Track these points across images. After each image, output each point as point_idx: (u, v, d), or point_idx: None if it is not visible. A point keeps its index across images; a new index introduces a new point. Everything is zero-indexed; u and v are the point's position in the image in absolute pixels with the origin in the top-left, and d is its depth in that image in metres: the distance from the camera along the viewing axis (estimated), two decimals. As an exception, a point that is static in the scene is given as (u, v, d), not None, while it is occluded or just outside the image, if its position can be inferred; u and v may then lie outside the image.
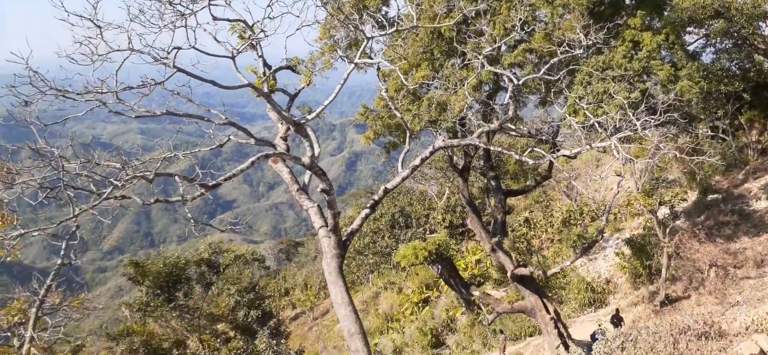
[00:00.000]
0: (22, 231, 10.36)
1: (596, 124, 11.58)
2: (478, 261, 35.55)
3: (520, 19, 12.25)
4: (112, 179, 9.23)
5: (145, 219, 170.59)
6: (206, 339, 16.49)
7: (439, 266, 23.21)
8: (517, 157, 13.96)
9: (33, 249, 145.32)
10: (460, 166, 19.12)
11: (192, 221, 9.96)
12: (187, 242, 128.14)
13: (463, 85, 13.22)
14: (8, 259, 12.22)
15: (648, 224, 23.72)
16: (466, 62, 14.13)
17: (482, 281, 33.15)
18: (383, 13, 17.42)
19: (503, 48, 15.16)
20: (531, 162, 13.62)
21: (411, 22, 11.99)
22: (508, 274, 18.57)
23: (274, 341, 15.54)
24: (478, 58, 12.36)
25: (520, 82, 12.98)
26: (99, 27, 8.57)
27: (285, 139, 13.87)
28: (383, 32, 11.33)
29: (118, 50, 8.78)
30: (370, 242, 44.65)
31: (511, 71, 13.56)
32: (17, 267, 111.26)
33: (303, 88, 13.63)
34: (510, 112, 13.67)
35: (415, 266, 31.69)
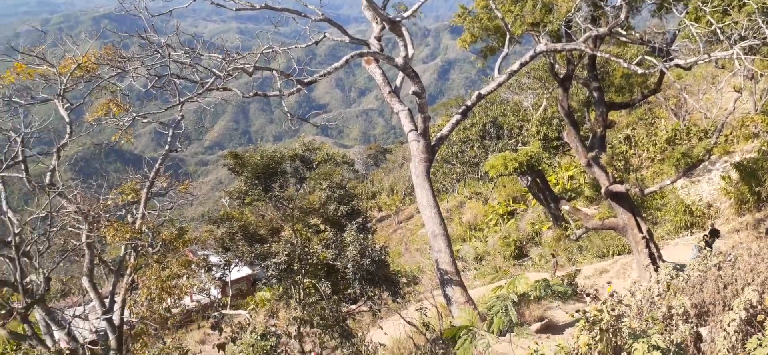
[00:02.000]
0: (134, 115, 11.15)
1: (718, 32, 10.48)
2: (571, 177, 34.54)
3: None
4: (214, 70, 9.61)
5: (243, 117, 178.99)
6: (299, 229, 17.46)
7: (529, 178, 22.75)
8: (626, 65, 13.07)
9: (142, 140, 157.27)
10: (562, 75, 18.19)
11: (288, 115, 10.27)
12: (282, 143, 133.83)
13: (572, -15, 12.35)
14: (122, 142, 13.28)
15: (764, 147, 21.73)
16: (577, -40, 13.10)
17: (573, 196, 32.33)
18: None
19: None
20: (640, 71, 12.72)
21: None
22: (603, 190, 17.92)
23: (361, 236, 16.20)
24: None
25: (636, -17, 11.94)
26: None
27: (379, 39, 13.76)
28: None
29: (222, -60, 8.88)
30: (459, 150, 44.37)
31: (626, -29, 12.42)
32: (129, 154, 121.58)
33: (400, -15, 13.29)
34: (622, 16, 12.67)
35: (503, 176, 31.33)
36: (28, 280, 9.91)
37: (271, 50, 10.86)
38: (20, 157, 10.58)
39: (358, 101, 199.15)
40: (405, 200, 52.96)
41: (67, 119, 11.50)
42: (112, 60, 11.03)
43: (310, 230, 18.36)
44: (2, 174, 10.24)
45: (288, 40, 13.50)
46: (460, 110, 14.30)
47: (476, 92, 13.78)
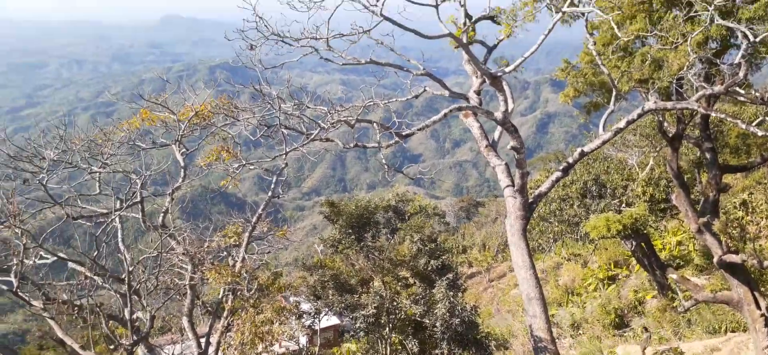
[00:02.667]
0: (243, 162, 11.73)
1: None
2: (679, 242, 32.05)
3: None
4: (319, 122, 9.92)
5: (340, 165, 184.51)
6: (388, 281, 17.41)
7: (634, 243, 21.40)
8: (745, 126, 12.07)
9: (245, 184, 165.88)
10: (671, 134, 17.13)
11: (386, 166, 10.35)
12: (375, 191, 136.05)
13: (686, 41, 11.65)
14: (228, 188, 14.00)
15: None
16: (691, 15, 12.38)
17: (682, 264, 29.90)
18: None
19: (739, 0, 13.01)
20: (760, 133, 11.70)
21: (631, -32, 10.83)
22: (715, 259, 16.43)
23: (451, 293, 15.83)
24: (708, 11, 10.75)
25: (758, 40, 11.07)
26: (317, -26, 9.12)
27: (478, 93, 13.67)
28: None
29: (332, -4, 9.29)
30: (557, 208, 42.70)
31: (747, 26, 11.58)
32: (232, 197, 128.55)
33: (502, 39, 13.21)
34: (740, 74, 11.77)
35: (605, 239, 29.65)
36: (135, 316, 10.51)
37: (372, 102, 11.06)
38: (138, 198, 11.40)
39: (452, 152, 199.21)
40: (497, 256, 51.54)
41: (181, 163, 12.32)
42: (226, 109, 11.75)
43: (400, 283, 18.25)
44: (121, 213, 11.06)
45: (387, 91, 13.77)
46: (560, 167, 13.76)
47: (579, 149, 13.22)
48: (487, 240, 57.98)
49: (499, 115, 11.99)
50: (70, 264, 11.35)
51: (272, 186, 14.24)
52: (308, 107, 10.03)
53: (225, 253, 13.74)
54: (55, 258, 10.86)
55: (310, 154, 15.67)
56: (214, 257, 12.62)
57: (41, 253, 10.64)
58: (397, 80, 11.53)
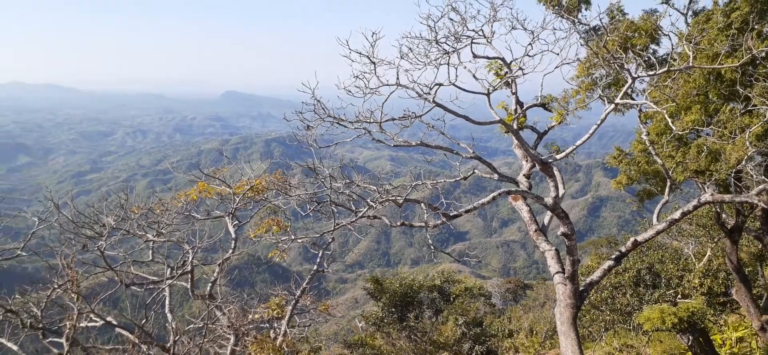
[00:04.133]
0: (293, 237, 11.94)
1: None
2: (740, 339, 29.99)
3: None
4: (368, 200, 10.08)
5: (384, 239, 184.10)
6: (432, 364, 16.93)
7: (690, 337, 20.23)
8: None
9: (290, 254, 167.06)
10: (730, 226, 16.47)
11: (432, 246, 10.33)
12: (419, 266, 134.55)
13: (744, 133, 11.38)
14: (276, 259, 14.19)
15: None
16: (749, 108, 12.14)
17: (744, 363, 27.88)
18: (651, 51, 16.08)
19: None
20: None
21: (685, 62, 10.81)
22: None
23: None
24: (767, 104, 10.54)
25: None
26: (374, 63, 9.51)
27: (528, 176, 13.64)
28: (651, 72, 10.40)
29: (387, 85, 9.62)
30: (609, 296, 40.92)
31: (809, 121, 11.26)
32: (278, 267, 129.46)
33: (553, 126, 13.25)
34: (805, 170, 11.36)
35: (659, 331, 28.12)
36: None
37: (421, 182, 11.19)
38: (189, 268, 11.72)
39: (500, 232, 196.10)
40: (545, 343, 49.41)
41: (233, 235, 12.66)
42: (280, 184, 12.12)
43: (444, 367, 17.75)
44: (172, 282, 11.37)
45: (435, 168, 13.90)
46: (613, 256, 13.38)
47: (632, 239, 12.86)
48: (535, 325, 55.80)
49: (549, 200, 11.88)
50: (117, 329, 11.63)
51: (318, 260, 14.38)
52: (358, 185, 10.22)
53: (267, 325, 13.79)
54: (104, 322, 11.16)
55: (356, 228, 15.84)
56: (256, 329, 12.67)
57: (91, 316, 10.96)
58: (444, 158, 11.68)
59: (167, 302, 12.02)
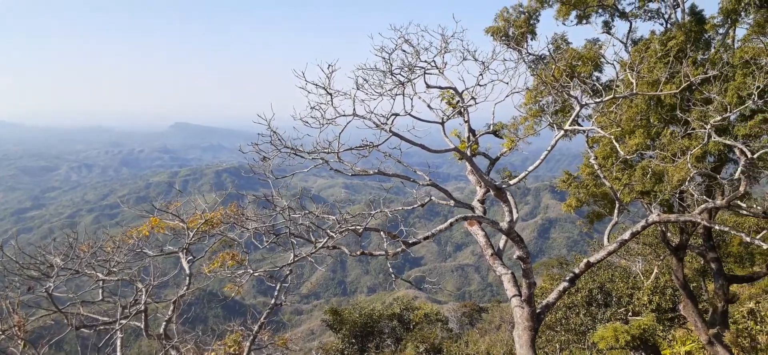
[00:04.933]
0: (250, 270, 11.74)
1: None
2: (688, 353, 31.11)
3: (759, 86, 10.84)
4: (328, 230, 10.05)
5: (340, 268, 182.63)
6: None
7: (643, 353, 20.89)
8: (749, 239, 12.16)
9: (244, 287, 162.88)
10: (675, 244, 17.20)
11: (393, 275, 10.36)
12: (376, 294, 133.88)
13: (685, 155, 12.00)
14: (232, 294, 13.88)
15: None
16: (688, 131, 12.83)
17: (693, 376, 28.85)
18: (595, 78, 16.80)
19: (734, 117, 13.53)
20: (765, 246, 11.76)
21: (628, 89, 11.36)
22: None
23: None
24: (705, 128, 11.16)
25: (756, 156, 11.42)
26: (330, 94, 9.58)
27: (482, 202, 13.91)
28: (597, 99, 10.88)
29: (344, 115, 9.69)
30: (563, 317, 41.77)
31: (743, 143, 11.98)
32: (232, 302, 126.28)
33: (504, 152, 13.61)
34: (741, 189, 12.04)
35: (613, 349, 28.86)
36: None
37: (379, 211, 11.23)
38: (142, 307, 11.32)
39: (454, 256, 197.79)
40: (503, 365, 49.81)
41: (187, 272, 12.33)
42: (237, 218, 11.93)
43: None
44: (126, 322, 10.95)
45: (389, 195, 13.98)
46: (567, 278, 13.73)
47: (585, 260, 13.25)
48: (492, 348, 56.12)
49: (504, 224, 12.13)
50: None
51: (276, 293, 14.15)
52: (317, 216, 10.20)
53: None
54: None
55: (315, 258, 15.71)
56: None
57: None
58: (399, 184, 11.80)
59: (118, 345, 11.54)
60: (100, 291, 12.18)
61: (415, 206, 11.89)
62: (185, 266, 12.19)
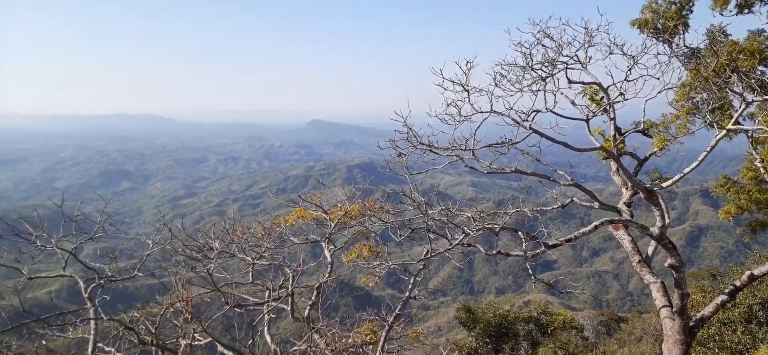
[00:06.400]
0: (388, 262, 12.09)
1: None
2: None
3: None
4: (464, 228, 10.06)
5: (468, 267, 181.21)
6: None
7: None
8: None
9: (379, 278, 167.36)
10: None
11: (532, 276, 10.12)
12: (504, 296, 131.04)
13: None
14: (371, 284, 14.37)
15: None
16: None
17: None
18: (759, 72, 15.08)
19: None
20: None
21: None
22: None
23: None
24: None
25: None
26: (467, 91, 9.57)
27: (629, 205, 13.09)
28: (765, 96, 9.75)
29: (480, 112, 9.63)
30: (716, 333, 37.98)
31: None
32: (359, 291, 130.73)
33: (655, 152, 12.68)
34: None
35: (777, 374, 25.67)
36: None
37: (516, 211, 11.03)
38: (289, 291, 12.14)
39: (591, 261, 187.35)
40: (643, 380, 46.48)
41: (329, 259, 13.01)
42: (374, 211, 12.36)
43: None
44: (276, 304, 11.82)
45: (518, 193, 13.63)
46: (726, 290, 12.51)
47: (748, 272, 11.99)
48: (631, 361, 52.64)
49: (655, 230, 11.34)
50: (220, 348, 12.16)
51: (409, 287, 14.43)
52: (452, 212, 10.24)
53: (360, 350, 13.93)
54: (213, 340, 11.70)
55: (452, 255, 15.78)
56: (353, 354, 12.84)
57: (196, 335, 11.57)
58: (532, 183, 11.45)
59: (266, 324, 12.47)
60: (250, 274, 13.23)
61: (555, 207, 11.50)
62: (327, 254, 12.87)
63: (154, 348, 11.21)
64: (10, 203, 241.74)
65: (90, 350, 10.39)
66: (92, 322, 10.71)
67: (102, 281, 11.54)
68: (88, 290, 11.23)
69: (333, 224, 13.12)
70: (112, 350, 11.14)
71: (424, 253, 12.56)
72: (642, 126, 12.22)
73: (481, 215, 10.30)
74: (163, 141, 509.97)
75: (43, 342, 10.81)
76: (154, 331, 10.92)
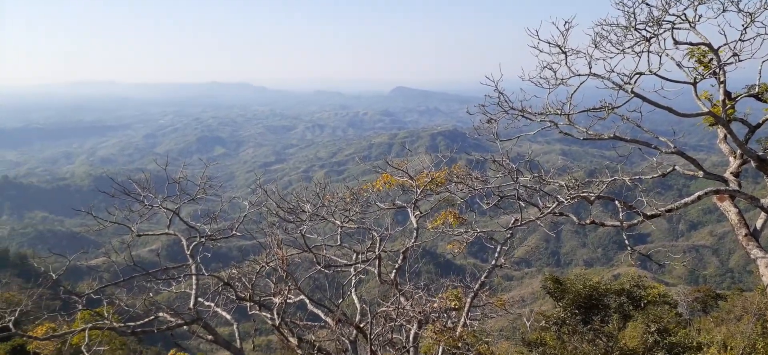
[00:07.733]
0: (477, 231, 12.02)
1: None
2: None
3: None
4: (557, 196, 9.78)
5: (555, 238, 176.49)
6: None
7: None
8: None
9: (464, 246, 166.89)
10: None
11: (629, 247, 9.70)
12: (592, 269, 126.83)
13: None
14: (456, 251, 14.34)
15: None
16: None
17: None
18: None
19: None
20: None
21: None
22: None
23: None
24: None
25: None
26: (565, 53, 9.16)
27: (736, 175, 12.15)
28: None
29: (578, 75, 9.21)
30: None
31: None
32: (441, 258, 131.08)
33: (768, 118, 11.62)
34: None
35: None
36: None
37: (612, 180, 10.57)
38: (376, 254, 12.40)
39: (687, 235, 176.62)
40: (744, 362, 43.67)
41: (415, 225, 13.12)
42: (462, 177, 12.28)
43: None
44: (365, 266, 12.13)
45: (612, 163, 12.94)
46: None
47: None
48: (729, 340, 49.54)
49: (766, 201, 10.48)
50: (310, 306, 12.67)
51: (497, 254, 14.30)
52: (548, 182, 9.96)
53: (445, 315, 14.03)
54: (308, 300, 12.21)
55: (544, 224, 15.44)
56: (438, 318, 12.96)
57: (290, 294, 12.13)
58: (630, 149, 10.84)
59: (353, 285, 12.85)
60: (338, 237, 13.62)
61: (655, 175, 10.91)
62: (413, 219, 12.98)
63: (249, 304, 11.90)
64: (117, 167, 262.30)
65: (192, 303, 11.16)
66: (194, 277, 11.48)
67: (203, 240, 12.31)
68: (190, 247, 12.02)
69: (419, 190, 13.17)
70: (212, 304, 11.94)
71: (513, 221, 12.37)
72: (757, 89, 11.20)
73: (576, 183, 9.94)
74: (255, 109, 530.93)
75: (151, 295, 11.74)
76: (250, 287, 11.57)
